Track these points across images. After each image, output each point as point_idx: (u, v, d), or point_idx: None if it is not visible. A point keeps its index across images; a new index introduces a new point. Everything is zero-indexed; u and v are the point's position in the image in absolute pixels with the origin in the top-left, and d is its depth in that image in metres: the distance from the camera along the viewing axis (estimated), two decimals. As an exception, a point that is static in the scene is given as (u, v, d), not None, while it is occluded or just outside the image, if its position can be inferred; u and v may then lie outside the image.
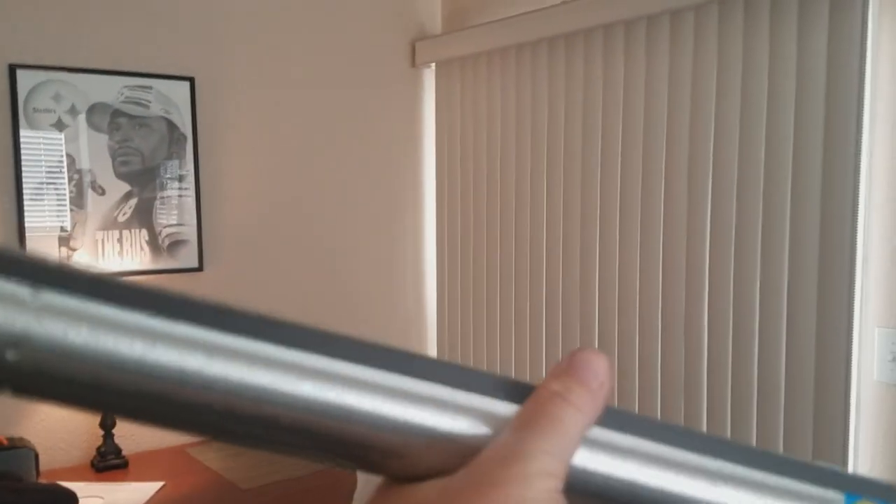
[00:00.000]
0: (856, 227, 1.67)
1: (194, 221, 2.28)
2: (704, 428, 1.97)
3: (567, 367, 0.29)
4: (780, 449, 1.82)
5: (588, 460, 0.29)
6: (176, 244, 2.25)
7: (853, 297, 1.69)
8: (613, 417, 0.30)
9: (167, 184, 2.24)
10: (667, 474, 0.30)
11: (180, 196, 2.26)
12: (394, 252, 2.75)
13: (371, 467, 0.28)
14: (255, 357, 0.26)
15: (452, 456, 0.27)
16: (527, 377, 1.99)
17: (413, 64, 2.69)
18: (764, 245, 1.83)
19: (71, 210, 2.10)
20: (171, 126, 2.25)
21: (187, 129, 2.27)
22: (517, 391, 0.29)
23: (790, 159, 1.78)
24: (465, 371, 0.29)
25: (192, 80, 2.27)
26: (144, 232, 2.21)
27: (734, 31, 1.86)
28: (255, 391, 0.26)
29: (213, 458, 2.08)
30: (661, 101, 2.03)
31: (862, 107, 1.66)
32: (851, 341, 1.69)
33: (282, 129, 2.46)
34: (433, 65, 2.69)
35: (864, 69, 1.65)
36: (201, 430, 0.27)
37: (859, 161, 1.67)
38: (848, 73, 1.67)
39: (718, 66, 1.90)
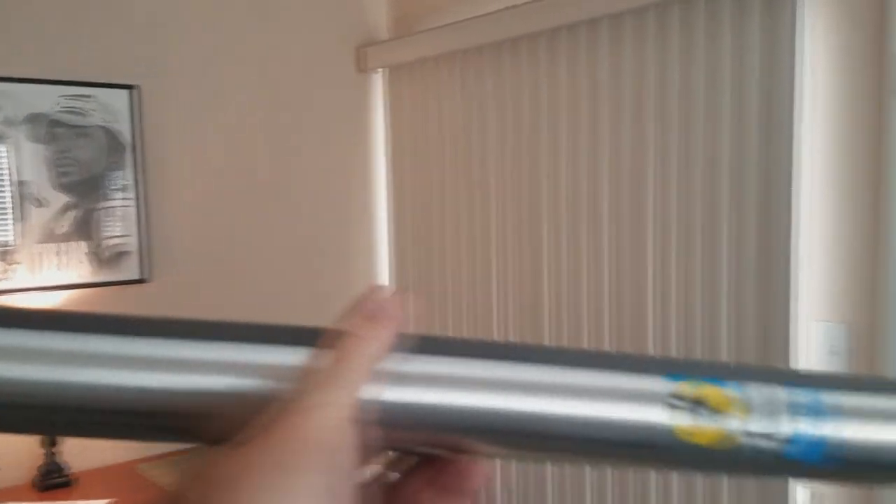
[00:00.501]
0: (790, 223, 1.71)
1: (137, 232, 2.24)
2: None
3: (352, 306, 0.31)
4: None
5: (385, 391, 0.30)
6: (118, 256, 2.21)
7: (791, 293, 1.72)
8: (418, 346, 0.31)
9: (109, 194, 2.20)
10: (476, 393, 0.31)
11: (123, 207, 2.22)
12: (348, 258, 2.73)
13: (192, 436, 0.29)
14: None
15: (258, 408, 0.28)
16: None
17: (360, 69, 2.68)
18: (704, 243, 1.87)
19: (12, 223, 2.04)
20: (112, 135, 2.20)
21: (129, 139, 2.23)
22: (310, 336, 0.30)
23: (727, 157, 1.81)
24: (255, 327, 0.31)
25: (133, 89, 2.23)
26: (84, 244, 2.16)
27: (672, 33, 1.90)
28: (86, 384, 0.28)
29: (161, 474, 2.04)
30: (604, 103, 2.06)
31: (793, 104, 1.70)
32: (790, 336, 1.73)
33: (228, 137, 2.43)
34: (382, 70, 2.68)
35: (797, 67, 1.69)
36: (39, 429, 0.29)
37: (794, 157, 1.71)
38: (781, 72, 1.71)
39: (658, 68, 1.93)
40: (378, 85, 2.71)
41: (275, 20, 2.52)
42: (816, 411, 0.32)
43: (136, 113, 2.23)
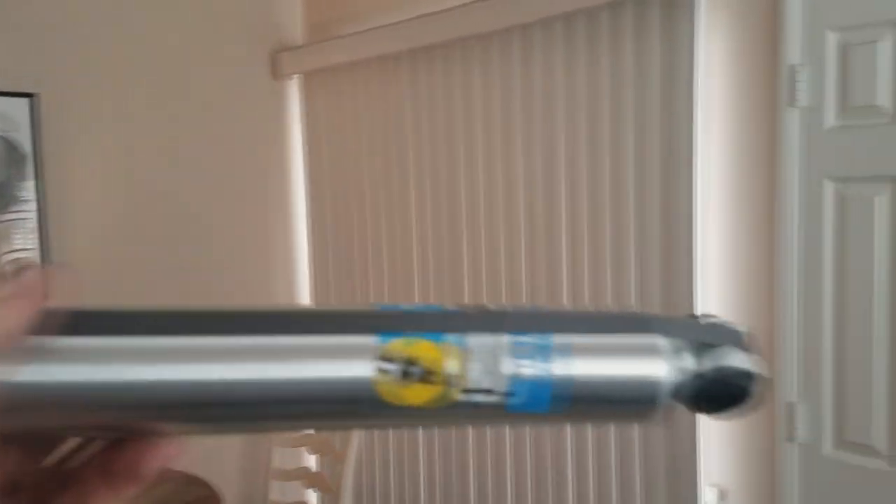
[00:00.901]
0: (692, 233, 1.76)
1: (37, 245, 2.15)
2: (568, 427, 2.03)
3: None
4: (636, 442, 1.89)
5: (20, 371, 0.28)
6: (19, 271, 2.12)
7: (693, 299, 1.77)
8: (73, 322, 0.29)
9: (8, 207, 2.10)
10: (134, 366, 0.29)
11: (24, 219, 2.13)
12: (265, 272, 2.68)
13: None
14: None
15: None
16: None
17: (275, 76, 2.64)
18: (612, 255, 1.90)
19: None
20: (11, 146, 2.11)
21: (29, 148, 2.14)
22: None
23: (631, 167, 1.85)
24: None
25: (33, 97, 2.14)
26: (-17, 259, 2.06)
27: (578, 43, 1.93)
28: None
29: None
30: (516, 109, 2.08)
31: (694, 115, 1.74)
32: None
33: (134, 146, 2.36)
34: (297, 76, 2.65)
35: (695, 79, 1.74)
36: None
37: (693, 172, 1.75)
38: (681, 84, 1.76)
39: (565, 76, 1.96)
40: (294, 92, 2.67)
41: (184, 25, 2.45)
42: (543, 355, 0.31)
43: (36, 122, 2.14)
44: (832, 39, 1.62)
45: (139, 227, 2.37)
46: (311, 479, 2.30)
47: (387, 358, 0.30)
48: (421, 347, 0.30)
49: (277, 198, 2.70)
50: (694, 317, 0.36)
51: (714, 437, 1.81)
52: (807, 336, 1.66)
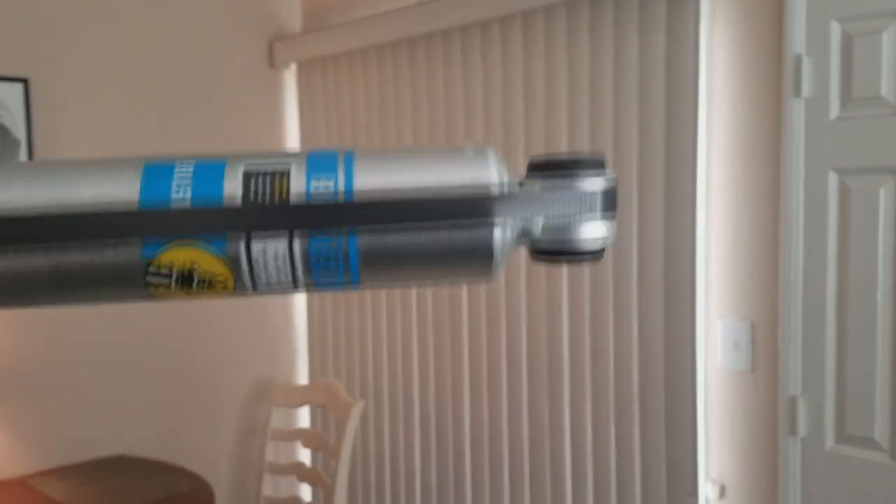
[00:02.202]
0: (694, 224, 1.74)
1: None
2: (566, 417, 2.01)
3: None
4: (636, 436, 1.87)
5: None
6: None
7: (696, 292, 1.76)
8: None
9: (-2, 193, 2.07)
10: None
11: (14, 206, 2.09)
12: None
13: None
14: None
15: None
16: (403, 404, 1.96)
17: (272, 64, 2.61)
18: (615, 247, 1.88)
19: None
20: (3, 131, 2.07)
21: (21, 134, 2.10)
22: None
23: (635, 158, 1.83)
24: None
25: (26, 82, 2.11)
26: (-28, 246, 2.03)
27: (581, 31, 1.91)
28: None
29: (58, 488, 1.94)
30: (517, 97, 2.06)
31: (697, 105, 1.73)
32: (696, 332, 1.76)
33: (128, 134, 2.32)
34: (293, 65, 2.62)
35: (699, 69, 1.72)
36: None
37: (697, 159, 1.74)
38: (685, 75, 1.74)
39: (568, 64, 1.94)
40: (290, 80, 2.65)
41: (180, 12, 2.42)
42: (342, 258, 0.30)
43: (29, 107, 2.11)
44: (836, 29, 1.60)
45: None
46: (304, 474, 2.27)
47: (157, 270, 0.28)
48: (194, 255, 0.28)
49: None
50: (563, 163, 0.33)
51: (714, 431, 1.79)
52: (809, 329, 1.65)
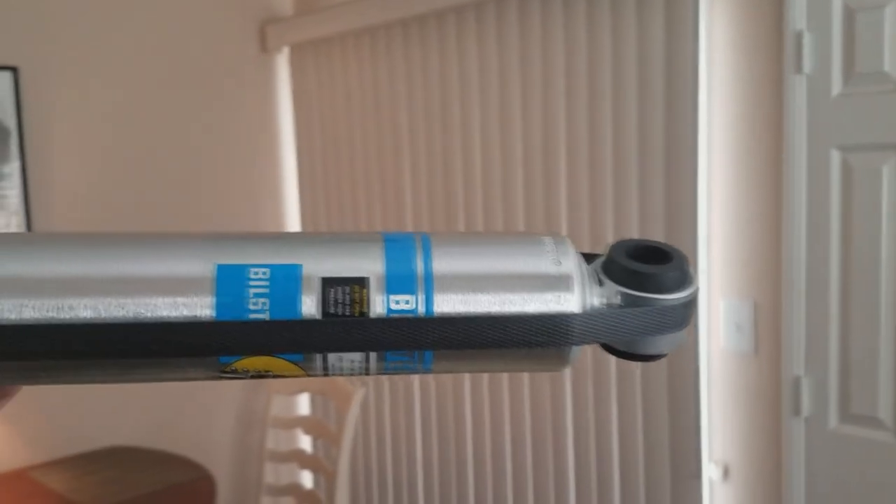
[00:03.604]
0: (696, 204, 1.73)
1: (23, 223, 2.09)
2: (568, 398, 2.00)
3: None
4: (639, 417, 1.86)
5: None
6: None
7: (698, 272, 1.74)
8: None
9: (-10, 184, 2.04)
10: None
11: (6, 196, 2.07)
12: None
13: None
14: None
15: None
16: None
17: (264, 48, 2.57)
18: (617, 227, 1.87)
19: None
20: (-8, 120, 2.04)
21: (11, 123, 2.07)
22: None
23: (634, 139, 1.81)
24: None
25: (15, 70, 2.07)
26: (-36, 238, 2.00)
27: (578, 14, 1.88)
28: None
29: (58, 479, 1.93)
30: (514, 80, 2.03)
31: (697, 84, 1.70)
32: (699, 312, 1.75)
33: (120, 120, 2.29)
34: (286, 49, 2.58)
35: (699, 48, 1.70)
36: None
37: (698, 139, 1.72)
38: (684, 53, 1.71)
39: (566, 47, 1.91)
40: (283, 64, 2.61)
41: (171, -4, 2.38)
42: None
43: (18, 96, 2.07)
44: (838, 4, 1.57)
45: (125, 202, 2.31)
46: (305, 461, 2.26)
47: (233, 370, 0.29)
48: (271, 364, 0.29)
49: (267, 171, 2.64)
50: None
51: (717, 412, 1.79)
52: (812, 308, 1.63)
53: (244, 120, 2.57)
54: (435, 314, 0.29)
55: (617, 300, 0.31)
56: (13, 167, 2.07)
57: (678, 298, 0.31)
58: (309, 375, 0.30)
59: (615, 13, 1.81)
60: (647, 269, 0.31)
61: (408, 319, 0.28)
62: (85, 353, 0.27)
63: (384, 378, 2.42)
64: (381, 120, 2.36)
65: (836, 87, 1.58)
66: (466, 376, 2.23)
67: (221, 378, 0.29)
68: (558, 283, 0.31)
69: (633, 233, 1.82)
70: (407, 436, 2.40)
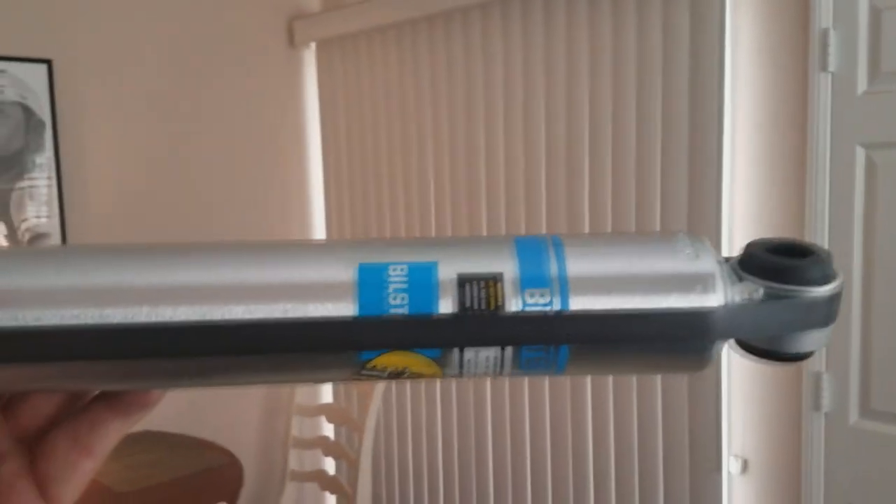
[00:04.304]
0: (720, 203, 1.74)
1: (57, 213, 2.14)
2: (588, 391, 2.02)
3: None
4: (659, 411, 1.88)
5: None
6: (36, 238, 2.11)
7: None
8: None
9: (25, 174, 2.09)
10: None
11: (40, 187, 2.12)
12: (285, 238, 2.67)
13: None
14: None
15: None
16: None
17: (291, 43, 2.61)
18: (639, 221, 1.88)
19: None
20: (28, 112, 2.09)
21: (46, 116, 2.12)
22: None
23: (659, 134, 1.82)
24: None
25: (49, 63, 2.12)
26: (2, 225, 2.06)
27: (604, 10, 1.89)
28: None
29: (91, 462, 1.98)
30: (538, 76, 2.05)
31: (723, 81, 1.71)
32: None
33: (151, 113, 2.34)
34: (313, 44, 2.62)
35: (725, 45, 1.71)
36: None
37: (722, 140, 1.73)
38: (709, 47, 1.72)
39: (590, 42, 1.93)
40: (310, 60, 2.65)
41: (200, -9, 2.42)
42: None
43: (53, 89, 2.12)
44: (864, 2, 1.58)
45: (155, 194, 2.36)
46: (329, 448, 2.30)
47: (373, 367, 0.30)
48: (408, 360, 0.30)
49: (294, 165, 2.68)
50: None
51: (738, 406, 1.80)
52: (834, 305, 1.64)
53: (271, 114, 2.61)
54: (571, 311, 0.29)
55: (759, 295, 0.30)
56: (47, 157, 2.12)
57: (825, 291, 0.30)
58: (445, 376, 0.30)
59: (640, 11, 1.82)
60: (791, 261, 0.30)
61: (544, 313, 0.29)
62: (243, 349, 0.29)
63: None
64: (405, 116, 2.39)
65: (862, 84, 1.59)
66: (488, 368, 2.25)
67: (360, 377, 0.30)
68: (699, 279, 0.30)
69: (656, 228, 1.84)
70: (429, 423, 2.44)
